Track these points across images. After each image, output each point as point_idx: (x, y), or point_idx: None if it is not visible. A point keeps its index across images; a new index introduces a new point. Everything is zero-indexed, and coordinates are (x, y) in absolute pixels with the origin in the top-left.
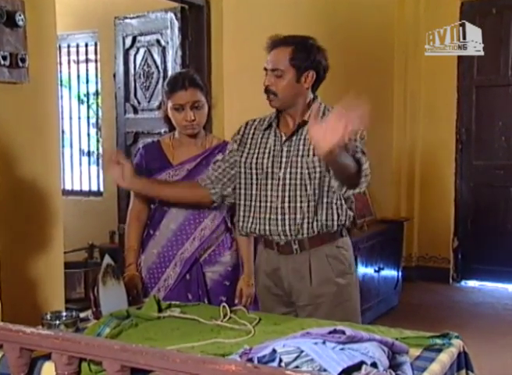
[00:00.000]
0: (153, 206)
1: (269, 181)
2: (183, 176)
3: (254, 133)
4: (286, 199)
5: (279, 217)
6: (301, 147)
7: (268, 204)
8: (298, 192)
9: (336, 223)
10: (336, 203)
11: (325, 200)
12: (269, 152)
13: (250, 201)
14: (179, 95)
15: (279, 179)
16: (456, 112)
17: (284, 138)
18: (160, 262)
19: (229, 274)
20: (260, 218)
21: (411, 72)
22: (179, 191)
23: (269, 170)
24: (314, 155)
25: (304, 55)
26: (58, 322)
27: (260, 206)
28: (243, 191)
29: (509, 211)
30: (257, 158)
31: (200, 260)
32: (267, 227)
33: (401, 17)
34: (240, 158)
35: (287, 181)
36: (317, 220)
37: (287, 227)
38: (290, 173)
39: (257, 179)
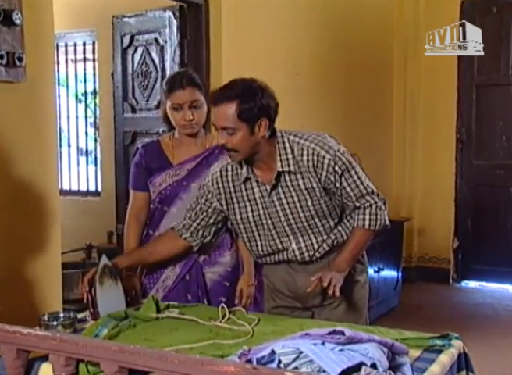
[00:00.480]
0: (152, 206)
1: (273, 231)
2: (183, 177)
3: (233, 186)
4: (299, 235)
5: (296, 247)
6: (293, 193)
7: (279, 246)
8: (309, 230)
9: (350, 230)
10: (347, 215)
11: (336, 220)
12: (261, 204)
13: (255, 240)
14: (177, 95)
15: (283, 226)
16: (456, 111)
17: (269, 190)
18: (159, 263)
19: (229, 275)
20: (275, 258)
21: (411, 71)
22: (163, 249)
23: (269, 222)
24: (311, 198)
25: (251, 105)
26: (55, 323)
27: (276, 249)
28: (245, 235)
29: (509, 211)
30: (252, 212)
31: (199, 260)
32: (282, 257)
33: (401, 16)
34: (234, 215)
35: (294, 226)
36: (335, 237)
37: (305, 254)
38: (293, 218)
39: (262, 229)
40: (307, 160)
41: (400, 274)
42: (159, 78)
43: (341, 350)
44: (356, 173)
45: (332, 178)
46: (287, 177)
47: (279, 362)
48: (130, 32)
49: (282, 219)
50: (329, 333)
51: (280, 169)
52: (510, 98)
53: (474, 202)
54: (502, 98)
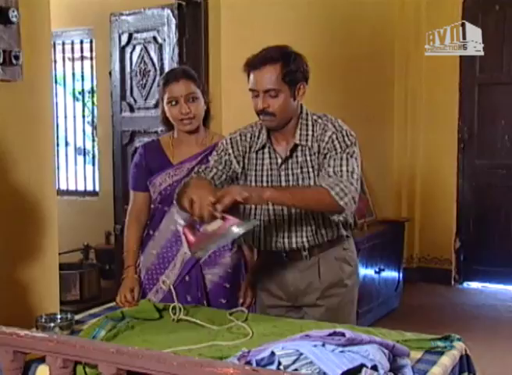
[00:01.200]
0: (153, 206)
1: (270, 207)
2: (183, 176)
3: (249, 152)
4: (293, 219)
5: (285, 235)
6: (299, 170)
7: (273, 227)
8: (303, 215)
9: (342, 227)
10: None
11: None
12: (267, 176)
13: (254, 214)
14: (172, 88)
15: None
16: (458, 110)
17: (280, 161)
18: (159, 263)
19: (229, 276)
20: (266, 241)
21: (412, 69)
22: None
23: None
24: (314, 177)
25: (294, 67)
26: (52, 324)
27: (269, 229)
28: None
29: (511, 211)
30: (256, 182)
31: (199, 261)
32: (273, 245)
33: (402, 13)
34: (240, 180)
35: None
36: (325, 231)
37: (294, 245)
38: None
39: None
40: (317, 135)
41: (401, 275)
42: (158, 77)
43: (341, 351)
44: (350, 160)
45: (328, 149)
46: (300, 153)
47: (279, 363)
48: (128, 30)
49: None
50: (330, 335)
51: (298, 142)
52: None
53: (476, 202)
54: (504, 96)
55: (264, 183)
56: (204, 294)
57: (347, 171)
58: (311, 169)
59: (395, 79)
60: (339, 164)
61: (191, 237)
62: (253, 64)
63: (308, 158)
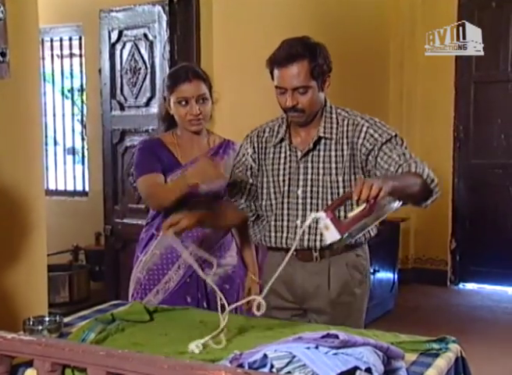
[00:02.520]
0: None
1: (286, 200)
2: None
3: (266, 148)
4: (307, 213)
5: (300, 225)
6: (321, 165)
7: (285, 223)
8: (323, 208)
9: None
10: None
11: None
12: (284, 169)
13: (269, 220)
14: (183, 88)
15: (297, 197)
16: (453, 109)
17: (300, 155)
18: (162, 264)
19: (229, 277)
20: (277, 237)
21: (408, 67)
22: (233, 214)
23: (286, 189)
24: (336, 174)
25: (320, 61)
26: (40, 327)
27: (280, 225)
28: (259, 210)
29: (508, 211)
30: (273, 176)
31: (200, 262)
32: (284, 245)
33: (398, 10)
34: (263, 177)
35: (308, 200)
36: None
37: (305, 243)
38: (311, 191)
39: (275, 198)
40: (347, 130)
41: (396, 276)
42: (148, 75)
43: (335, 354)
44: (403, 146)
45: (368, 145)
46: (322, 146)
47: (272, 366)
48: (118, 27)
49: (300, 189)
50: (323, 337)
51: (322, 135)
52: (509, 95)
53: (472, 202)
54: (500, 95)
55: (281, 177)
56: (204, 295)
57: (410, 156)
58: (333, 165)
59: (390, 77)
60: (398, 153)
61: (338, 223)
62: (278, 61)
63: (333, 153)
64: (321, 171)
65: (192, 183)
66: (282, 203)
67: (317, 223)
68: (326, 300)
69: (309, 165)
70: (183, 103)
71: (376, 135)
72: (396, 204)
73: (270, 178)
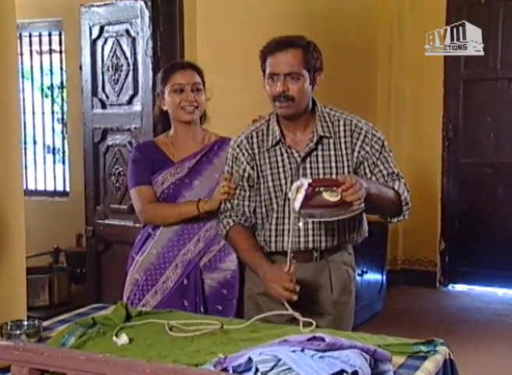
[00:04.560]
0: None
1: (287, 202)
2: (184, 174)
3: (259, 153)
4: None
5: (302, 240)
6: (320, 165)
7: (287, 226)
8: None
9: (355, 234)
10: (358, 217)
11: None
12: (285, 172)
13: (270, 224)
14: (178, 75)
15: None
16: (442, 107)
17: (302, 156)
18: (159, 263)
19: (228, 282)
20: (277, 241)
21: (396, 65)
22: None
23: (287, 191)
24: (337, 173)
25: (314, 55)
26: (18, 332)
27: (282, 229)
28: (260, 215)
29: (498, 211)
30: (273, 181)
31: (199, 265)
32: (285, 247)
33: (386, 7)
34: (261, 184)
35: None
36: (339, 234)
37: (309, 244)
38: None
39: (277, 202)
40: (344, 130)
41: (384, 277)
42: (131, 72)
43: (321, 357)
44: (388, 153)
45: (368, 149)
46: (321, 146)
47: (257, 370)
48: (99, 22)
49: None
50: (309, 340)
51: (322, 134)
52: (499, 93)
53: (461, 202)
54: (490, 93)
55: (283, 181)
56: (201, 300)
57: (392, 167)
58: (333, 164)
59: (378, 75)
60: (388, 166)
61: (308, 198)
62: (274, 47)
63: (332, 152)
64: (321, 171)
65: (205, 210)
66: (284, 206)
67: (319, 223)
68: (329, 302)
69: (308, 165)
70: (178, 91)
71: (373, 142)
72: (362, 209)
73: (270, 183)
